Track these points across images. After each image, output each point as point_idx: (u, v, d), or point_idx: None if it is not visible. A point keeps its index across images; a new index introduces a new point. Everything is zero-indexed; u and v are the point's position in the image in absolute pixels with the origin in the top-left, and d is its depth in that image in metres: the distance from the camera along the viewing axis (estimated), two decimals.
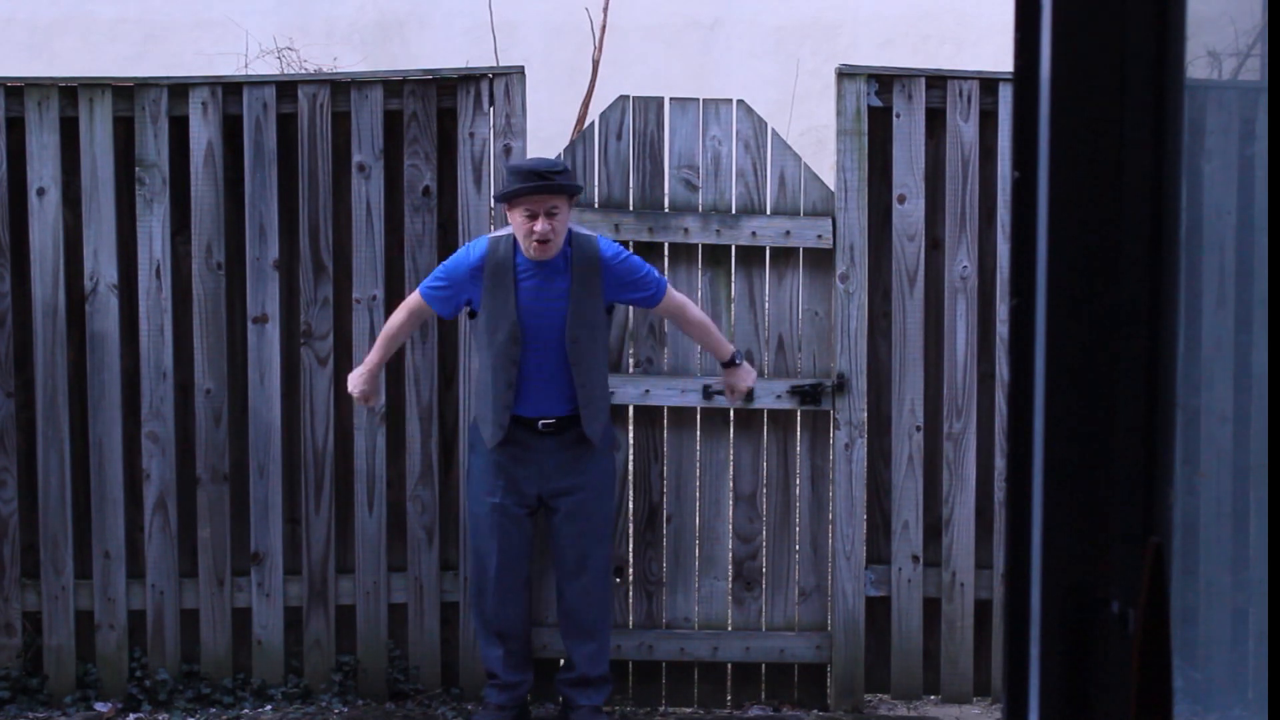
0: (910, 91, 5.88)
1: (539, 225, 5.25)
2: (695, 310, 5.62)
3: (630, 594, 5.99)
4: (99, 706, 5.87)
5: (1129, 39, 1.47)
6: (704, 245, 5.91)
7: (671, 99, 5.93)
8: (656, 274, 5.53)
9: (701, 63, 10.23)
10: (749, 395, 5.76)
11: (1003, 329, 5.92)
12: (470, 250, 5.44)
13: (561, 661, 5.74)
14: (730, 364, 5.62)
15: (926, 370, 5.94)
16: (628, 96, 5.94)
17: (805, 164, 5.97)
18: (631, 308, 5.83)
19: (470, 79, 5.85)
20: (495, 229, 5.83)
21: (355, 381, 5.54)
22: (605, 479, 5.58)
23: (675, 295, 5.57)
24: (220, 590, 5.90)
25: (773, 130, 5.95)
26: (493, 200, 5.73)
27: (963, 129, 5.88)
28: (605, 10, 9.42)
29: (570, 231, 5.39)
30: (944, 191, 5.91)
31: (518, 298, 5.34)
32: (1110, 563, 1.47)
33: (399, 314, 5.52)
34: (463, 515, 5.86)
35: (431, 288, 5.44)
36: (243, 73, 8.81)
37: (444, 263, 5.50)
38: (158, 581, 5.89)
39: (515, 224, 5.31)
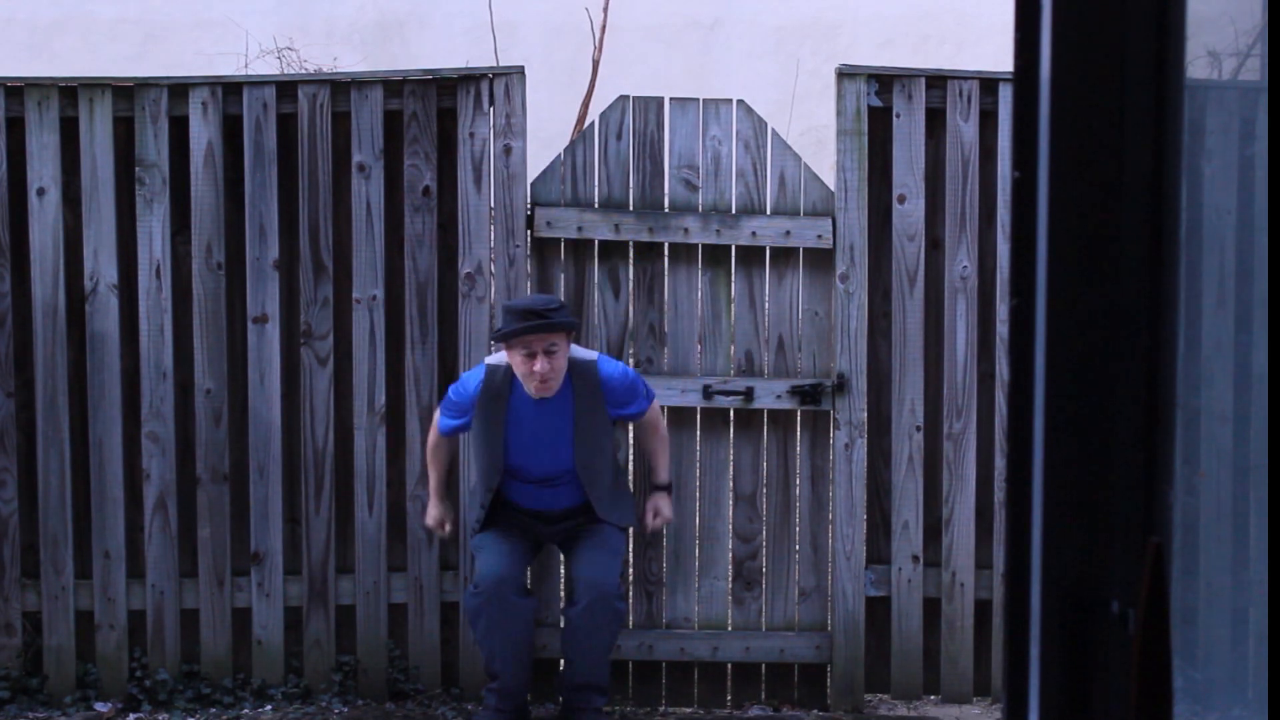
0: (910, 91, 5.88)
1: (538, 365, 5.26)
2: (664, 430, 5.75)
3: (630, 594, 5.99)
4: (99, 706, 5.87)
5: (1129, 39, 1.47)
6: (704, 245, 5.91)
7: (671, 99, 5.93)
8: (646, 385, 5.62)
9: (701, 63, 10.23)
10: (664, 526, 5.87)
11: (1003, 329, 5.92)
12: (466, 381, 5.50)
13: (562, 663, 5.74)
14: (661, 488, 5.75)
15: (926, 370, 5.94)
16: (628, 96, 5.94)
17: (805, 164, 5.97)
18: (632, 308, 5.83)
19: (470, 79, 5.85)
20: (495, 230, 5.84)
21: (431, 515, 5.71)
22: (624, 517, 5.65)
23: (656, 407, 5.68)
24: (220, 590, 5.90)
25: (773, 130, 5.95)
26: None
27: (963, 129, 5.88)
28: (605, 10, 9.42)
29: (570, 358, 5.40)
30: (944, 191, 5.91)
31: (508, 439, 5.42)
32: (1110, 563, 1.47)
33: (432, 437, 5.64)
34: (463, 513, 5.84)
35: (447, 419, 5.53)
36: (243, 73, 8.81)
37: (449, 392, 5.53)
38: (158, 581, 5.89)
39: (514, 363, 5.31)
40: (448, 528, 5.73)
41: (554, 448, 5.43)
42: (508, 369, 5.38)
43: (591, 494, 5.48)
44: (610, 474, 5.55)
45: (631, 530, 5.92)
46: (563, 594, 5.92)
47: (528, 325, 5.22)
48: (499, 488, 5.49)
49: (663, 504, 5.73)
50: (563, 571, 5.92)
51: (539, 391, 5.32)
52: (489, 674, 5.61)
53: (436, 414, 5.61)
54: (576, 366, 5.40)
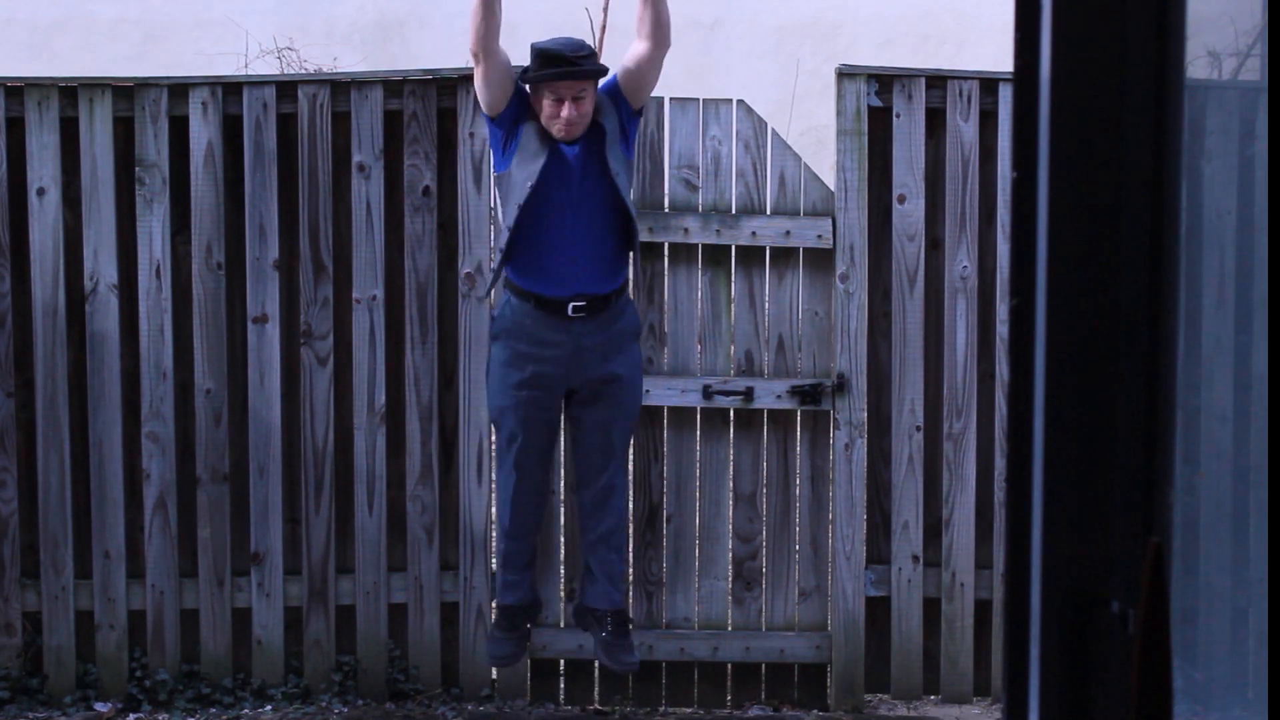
0: (910, 91, 5.88)
1: (565, 111, 5.19)
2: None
3: (630, 594, 5.99)
4: (99, 706, 5.87)
5: (1129, 39, 1.47)
6: (704, 245, 5.91)
7: (671, 99, 5.93)
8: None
9: (701, 63, 10.23)
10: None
11: (1003, 329, 5.92)
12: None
13: (584, 587, 5.66)
14: None
15: (926, 370, 5.94)
16: None
17: (805, 164, 5.97)
18: None
19: (470, 79, 5.84)
20: (494, 229, 5.83)
21: None
22: (639, 368, 5.51)
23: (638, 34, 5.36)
24: (220, 590, 5.90)
25: (773, 130, 5.95)
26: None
27: (963, 129, 5.88)
28: (605, 10, 9.42)
29: None
30: (944, 191, 5.91)
31: (546, 161, 5.19)
32: (1110, 563, 1.47)
33: None
34: (463, 513, 5.84)
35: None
36: (243, 73, 8.81)
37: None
38: (158, 581, 5.89)
39: (540, 105, 5.23)
40: None
41: (595, 179, 5.23)
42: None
43: (611, 257, 5.26)
44: (625, 250, 5.35)
45: (631, 530, 5.92)
46: (562, 592, 5.92)
47: (555, 72, 5.13)
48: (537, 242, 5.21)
49: None
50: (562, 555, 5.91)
51: (564, 134, 5.20)
52: (503, 565, 5.54)
53: None
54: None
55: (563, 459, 5.79)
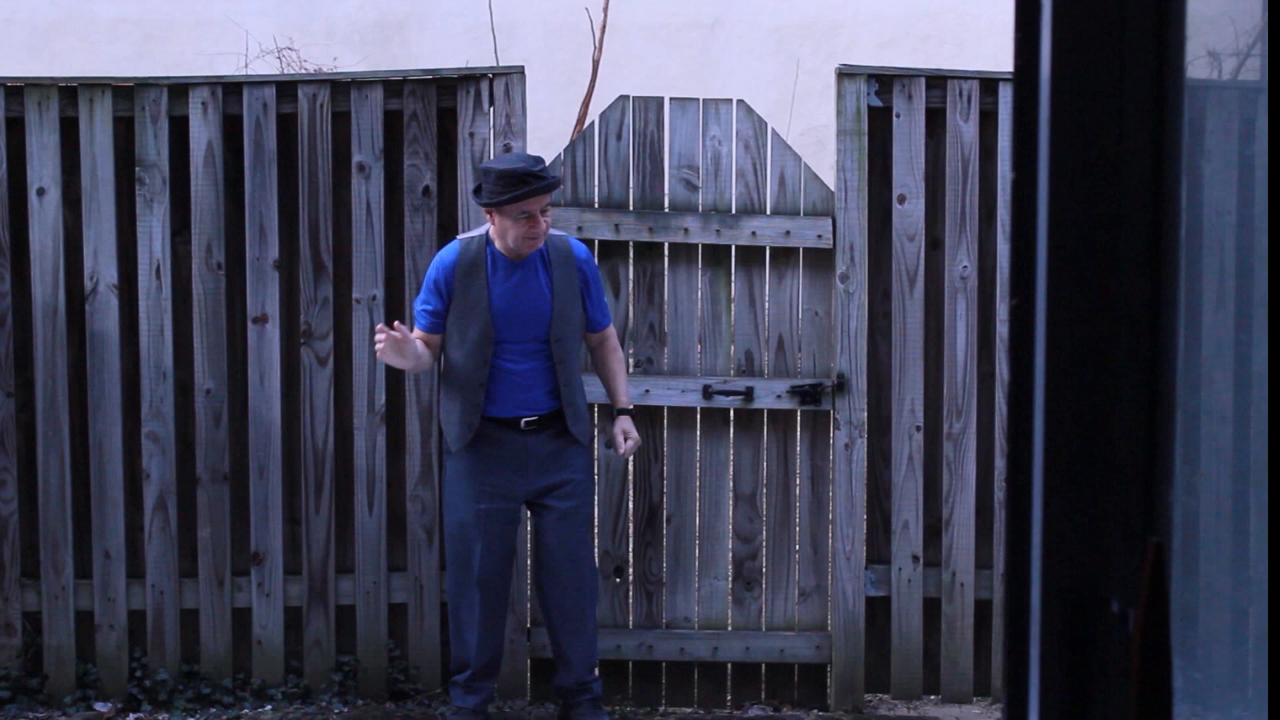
0: (910, 91, 5.88)
1: (542, 225, 5.28)
2: (621, 353, 5.66)
3: (630, 594, 5.99)
4: (99, 706, 5.87)
5: (1129, 39, 1.47)
6: (704, 245, 5.92)
7: (671, 99, 5.93)
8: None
9: (701, 63, 10.23)
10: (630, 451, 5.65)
11: (1003, 329, 5.92)
12: (442, 256, 5.43)
13: (558, 664, 5.73)
14: (625, 412, 5.59)
15: (926, 370, 5.94)
16: (628, 96, 5.94)
17: (805, 164, 5.97)
18: (632, 308, 5.84)
19: (470, 79, 5.85)
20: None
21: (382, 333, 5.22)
22: (590, 474, 5.60)
23: (613, 330, 5.60)
24: (220, 590, 5.90)
25: (773, 130, 5.95)
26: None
27: (963, 129, 5.88)
28: (605, 10, 9.42)
29: None
30: (944, 191, 5.91)
31: (491, 296, 5.33)
32: (1110, 563, 1.47)
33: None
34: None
35: (422, 314, 5.42)
36: (243, 73, 8.81)
37: (424, 283, 5.46)
38: (158, 581, 5.89)
39: (506, 226, 5.28)
40: (396, 325, 5.24)
41: (534, 312, 5.35)
42: (481, 239, 5.37)
43: (562, 379, 5.36)
44: (578, 372, 5.46)
45: (631, 529, 5.92)
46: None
47: (530, 189, 5.21)
48: (486, 382, 5.33)
49: (629, 426, 5.55)
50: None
51: (528, 250, 5.29)
52: (458, 668, 5.56)
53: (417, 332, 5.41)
54: (551, 239, 5.40)
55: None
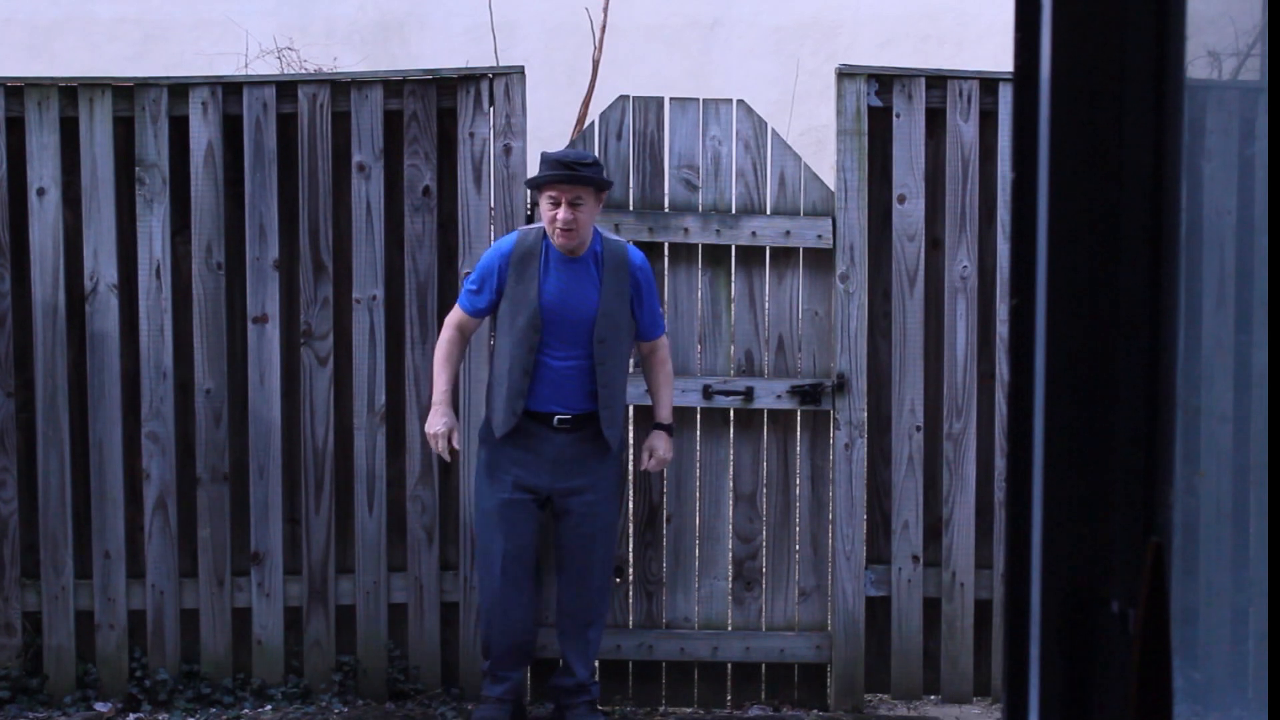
0: (910, 91, 5.88)
1: (561, 213, 5.31)
2: (670, 368, 5.67)
3: (630, 594, 5.99)
4: (99, 706, 5.87)
5: (1129, 39, 1.47)
6: (704, 245, 5.92)
7: (671, 99, 5.93)
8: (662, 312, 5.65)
9: (701, 63, 10.23)
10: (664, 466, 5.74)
11: (1003, 329, 5.92)
12: (500, 243, 5.52)
13: (560, 663, 5.74)
14: (662, 427, 5.65)
15: (926, 370, 5.94)
16: (628, 96, 5.94)
17: (805, 164, 5.97)
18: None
19: (470, 79, 5.85)
20: (495, 229, 5.84)
21: (435, 422, 5.46)
22: (615, 482, 5.62)
23: (667, 341, 5.65)
24: (220, 590, 5.90)
25: (773, 130, 5.95)
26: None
27: (963, 129, 5.88)
28: (605, 10, 9.42)
29: (601, 234, 5.48)
30: (944, 191, 5.91)
31: (541, 285, 5.39)
32: (1110, 563, 1.47)
33: (446, 334, 5.51)
34: (463, 513, 5.86)
35: (467, 293, 5.50)
36: (243, 73, 8.81)
37: (477, 264, 5.54)
38: (158, 581, 5.89)
39: (542, 211, 5.40)
40: (455, 440, 5.51)
41: (581, 310, 5.41)
42: (540, 230, 5.45)
43: (601, 380, 5.40)
44: (621, 377, 5.50)
45: (631, 529, 5.92)
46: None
47: (554, 174, 5.33)
48: (532, 370, 5.38)
49: (660, 444, 5.62)
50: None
51: (562, 240, 5.36)
52: (485, 655, 5.60)
53: (452, 313, 5.52)
54: (608, 243, 5.48)
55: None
